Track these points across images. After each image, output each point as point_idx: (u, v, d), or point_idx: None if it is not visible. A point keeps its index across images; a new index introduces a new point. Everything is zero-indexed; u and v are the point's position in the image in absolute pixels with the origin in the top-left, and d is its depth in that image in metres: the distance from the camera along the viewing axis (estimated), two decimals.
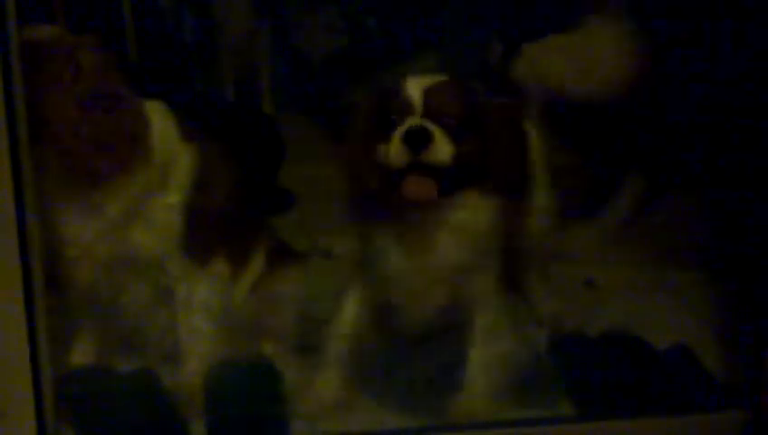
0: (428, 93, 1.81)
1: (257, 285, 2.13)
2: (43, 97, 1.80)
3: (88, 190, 1.87)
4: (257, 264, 2.13)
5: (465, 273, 1.91)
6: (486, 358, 1.96)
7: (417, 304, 1.94)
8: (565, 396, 2.05)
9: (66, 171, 1.84)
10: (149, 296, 2.01)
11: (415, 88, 1.82)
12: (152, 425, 1.94)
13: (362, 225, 1.95)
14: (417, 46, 3.08)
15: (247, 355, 2.10)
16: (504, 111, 1.91)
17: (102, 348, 2.09)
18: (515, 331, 1.99)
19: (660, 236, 2.64)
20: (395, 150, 1.78)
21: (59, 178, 1.86)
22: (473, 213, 1.86)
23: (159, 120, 1.93)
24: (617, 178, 2.69)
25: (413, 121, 1.78)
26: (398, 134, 1.78)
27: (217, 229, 2.02)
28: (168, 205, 1.93)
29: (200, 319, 2.01)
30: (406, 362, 2.01)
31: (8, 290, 1.67)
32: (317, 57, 3.38)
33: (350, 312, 2.00)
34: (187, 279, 1.99)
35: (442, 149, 1.78)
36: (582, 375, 2.09)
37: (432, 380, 1.99)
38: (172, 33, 3.12)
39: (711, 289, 2.43)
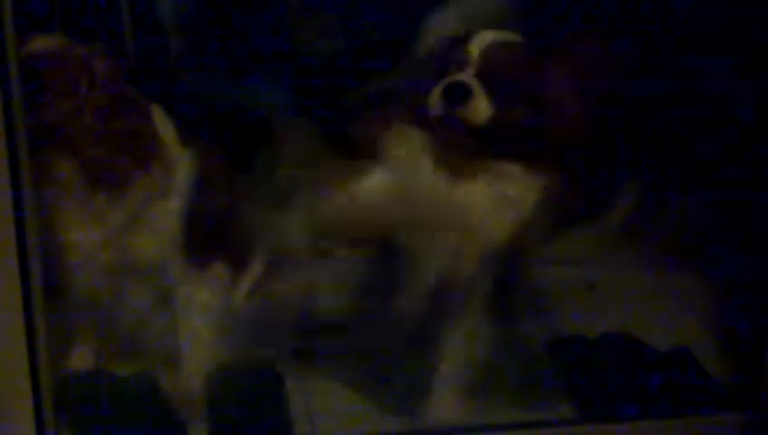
0: (488, 50, 1.77)
1: (257, 288, 2.13)
2: (58, 107, 1.81)
3: (93, 197, 1.88)
4: (257, 267, 2.14)
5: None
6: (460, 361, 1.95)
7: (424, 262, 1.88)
8: (566, 398, 2.05)
9: (83, 177, 1.85)
10: (149, 300, 2.01)
11: (478, 42, 1.78)
12: (152, 429, 1.94)
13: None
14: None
15: (247, 358, 2.10)
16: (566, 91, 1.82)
17: (102, 352, 2.10)
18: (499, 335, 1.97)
19: (660, 238, 2.64)
20: (434, 101, 1.76)
21: (65, 184, 1.86)
22: (512, 188, 1.80)
23: (160, 125, 1.94)
24: (616, 180, 2.69)
25: (459, 76, 1.75)
26: (440, 85, 1.75)
27: (217, 232, 2.03)
28: (168, 209, 1.93)
29: (200, 322, 2.01)
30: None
31: (7, 294, 1.67)
32: (315, 61, 3.38)
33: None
34: (186, 283, 1.99)
35: (479, 109, 1.73)
36: (583, 377, 2.09)
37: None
38: (168, 37, 3.12)
39: (711, 291, 2.43)
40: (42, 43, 1.84)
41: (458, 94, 1.73)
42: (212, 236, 2.00)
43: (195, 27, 3.00)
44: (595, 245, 2.64)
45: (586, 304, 2.46)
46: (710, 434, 1.99)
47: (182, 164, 1.94)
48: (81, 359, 2.09)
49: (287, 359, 2.13)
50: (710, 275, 2.49)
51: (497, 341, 1.96)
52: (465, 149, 1.76)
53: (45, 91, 1.80)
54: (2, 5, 1.59)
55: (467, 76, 1.76)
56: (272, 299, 2.13)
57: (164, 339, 2.02)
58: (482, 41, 1.79)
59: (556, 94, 1.79)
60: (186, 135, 1.97)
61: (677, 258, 2.59)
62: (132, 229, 1.91)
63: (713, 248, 2.53)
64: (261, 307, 2.12)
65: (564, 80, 1.81)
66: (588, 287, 2.55)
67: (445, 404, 1.96)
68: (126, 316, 2.02)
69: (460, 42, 1.81)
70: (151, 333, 2.03)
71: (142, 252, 1.92)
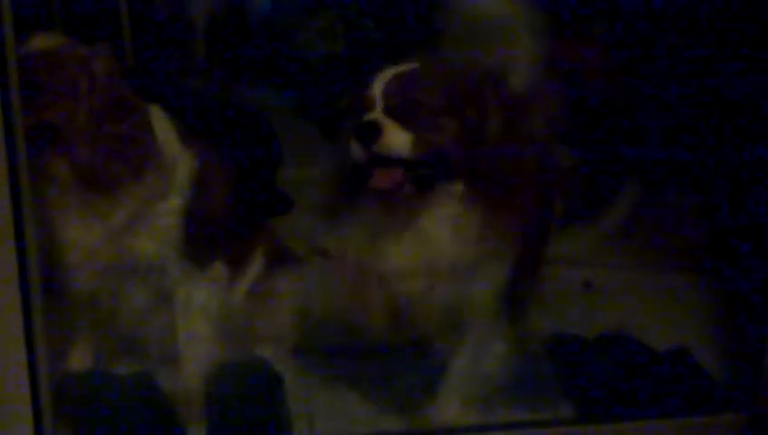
0: (389, 85, 1.80)
1: (256, 288, 2.13)
2: (56, 106, 1.81)
3: (92, 198, 1.87)
4: (256, 266, 2.14)
5: (460, 272, 1.87)
6: (470, 368, 1.96)
7: (415, 306, 1.91)
8: (564, 398, 2.05)
9: (78, 179, 1.85)
10: (148, 300, 2.01)
11: (379, 82, 1.82)
12: (151, 428, 1.94)
13: (353, 223, 1.92)
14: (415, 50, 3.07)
15: (246, 358, 2.10)
16: (484, 96, 1.84)
17: (101, 352, 2.10)
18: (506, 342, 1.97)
19: (658, 238, 2.64)
20: (352, 148, 1.79)
21: (65, 185, 1.86)
22: (470, 207, 1.83)
23: (160, 126, 1.94)
24: (615, 181, 2.69)
25: (369, 116, 1.79)
26: (352, 131, 1.79)
27: (216, 233, 2.03)
28: (168, 209, 1.93)
29: (199, 322, 2.01)
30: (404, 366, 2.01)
31: (5, 294, 1.66)
32: (315, 61, 3.38)
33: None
34: (186, 283, 1.99)
35: (394, 141, 1.76)
36: (581, 378, 2.09)
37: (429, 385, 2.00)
38: (168, 37, 3.12)
39: (709, 291, 2.44)
40: (41, 43, 1.83)
41: (369, 133, 1.76)
42: (211, 236, 2.00)
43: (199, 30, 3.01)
44: (593, 245, 2.65)
45: (584, 304, 2.47)
46: (708, 434, 1.99)
47: (182, 164, 1.94)
48: (79, 359, 2.09)
49: (286, 359, 2.14)
50: (708, 276, 2.49)
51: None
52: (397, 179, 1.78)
53: (44, 90, 1.80)
54: (1, 4, 1.59)
55: (376, 114, 1.79)
56: (270, 299, 2.13)
57: (163, 339, 2.02)
58: (382, 78, 1.82)
59: (465, 110, 1.81)
60: (186, 135, 1.97)
61: (676, 259, 2.59)
62: (131, 229, 1.90)
63: (711, 249, 2.54)
64: (260, 306, 2.13)
65: (467, 95, 1.82)
66: (586, 287, 2.56)
67: (449, 406, 1.96)
68: (125, 316, 2.02)
69: (366, 84, 1.83)
70: (150, 332, 2.03)
71: (141, 252, 1.92)
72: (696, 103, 2.56)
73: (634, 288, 2.53)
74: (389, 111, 1.79)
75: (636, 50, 2.63)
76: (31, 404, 1.73)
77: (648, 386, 2.04)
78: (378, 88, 1.81)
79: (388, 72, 1.83)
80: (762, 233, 2.06)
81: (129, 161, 1.85)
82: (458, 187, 1.82)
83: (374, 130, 1.77)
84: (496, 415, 1.99)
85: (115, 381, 2.02)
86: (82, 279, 1.94)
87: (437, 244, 1.84)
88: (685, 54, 2.57)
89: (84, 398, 1.96)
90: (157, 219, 1.92)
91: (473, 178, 1.81)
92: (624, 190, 2.70)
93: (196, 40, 3.19)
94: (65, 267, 1.92)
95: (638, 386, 2.04)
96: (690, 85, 2.56)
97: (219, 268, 2.02)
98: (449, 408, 1.97)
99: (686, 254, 2.59)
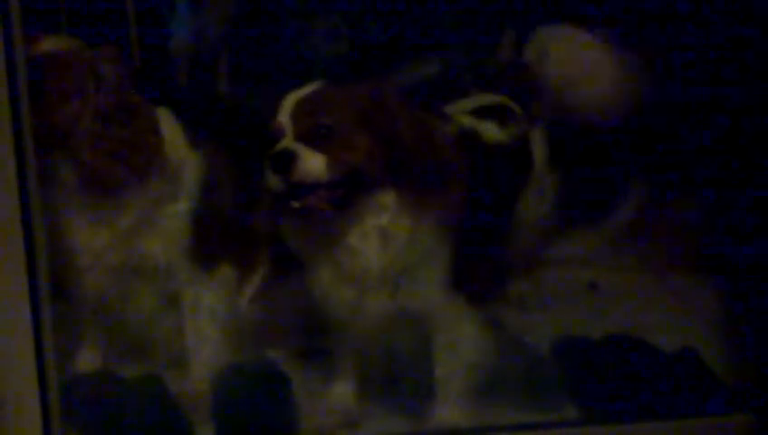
0: (295, 110, 1.79)
1: (263, 290, 2.13)
2: (63, 109, 1.82)
3: (100, 200, 1.88)
4: (263, 269, 2.14)
5: (405, 279, 1.86)
6: (451, 368, 1.95)
7: (366, 317, 1.90)
8: (570, 400, 2.05)
9: (83, 182, 1.85)
10: (156, 303, 2.02)
11: (285, 108, 1.80)
12: (159, 430, 1.94)
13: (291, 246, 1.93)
14: (419, 51, 3.08)
15: (254, 360, 2.11)
16: (391, 106, 1.82)
17: (109, 354, 2.11)
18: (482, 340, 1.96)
19: (664, 239, 2.64)
20: (269, 179, 1.77)
21: (72, 188, 1.87)
22: (395, 215, 1.81)
23: (168, 129, 1.94)
24: (620, 182, 2.69)
25: (280, 145, 1.77)
26: (266, 162, 1.77)
27: (224, 235, 2.03)
28: (176, 212, 1.94)
29: (207, 324, 2.02)
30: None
31: (15, 296, 1.67)
32: (319, 63, 3.38)
33: None
34: (193, 285, 2.00)
35: (312, 166, 1.74)
36: (587, 379, 2.09)
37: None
38: (174, 39, 3.12)
39: (716, 292, 2.43)
40: (49, 45, 1.84)
41: (283, 162, 1.74)
42: (218, 239, 2.01)
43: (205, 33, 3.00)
44: (599, 246, 2.65)
45: (589, 305, 2.47)
46: None
47: (190, 166, 1.95)
48: (88, 361, 2.09)
49: (293, 360, 2.14)
50: (714, 277, 2.49)
51: (497, 343, 1.97)
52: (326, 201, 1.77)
53: (52, 93, 1.81)
54: (9, 6, 1.60)
55: (287, 142, 1.77)
56: (278, 300, 2.13)
57: (171, 341, 2.03)
58: (286, 105, 1.80)
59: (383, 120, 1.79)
60: (193, 138, 1.97)
61: (681, 259, 2.59)
62: (139, 232, 1.91)
63: (716, 249, 2.53)
64: (267, 308, 2.13)
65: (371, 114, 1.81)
66: (591, 288, 2.56)
67: (448, 406, 1.96)
68: (133, 319, 2.03)
69: (274, 113, 1.82)
70: (158, 335, 2.04)
71: (150, 254, 1.93)
72: (701, 104, 2.56)
73: (640, 289, 2.53)
74: (300, 137, 1.77)
75: (639, 51, 2.63)
76: (39, 406, 1.73)
77: (655, 387, 2.04)
78: (285, 114, 1.79)
79: (292, 98, 1.81)
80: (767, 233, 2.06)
81: (136, 164, 1.85)
82: (383, 197, 1.80)
83: (287, 159, 1.74)
84: (501, 417, 1.99)
85: (123, 383, 2.02)
86: (90, 282, 1.95)
87: (370, 256, 1.83)
88: (690, 55, 2.57)
89: (92, 400, 1.96)
90: (164, 222, 1.93)
91: (395, 187, 1.79)
92: (630, 191, 2.70)
93: (202, 45, 3.19)
94: (74, 270, 1.93)
95: (644, 387, 2.04)
96: (695, 86, 2.56)
97: (226, 270, 2.03)
98: (449, 408, 1.97)
99: (692, 254, 2.59)
